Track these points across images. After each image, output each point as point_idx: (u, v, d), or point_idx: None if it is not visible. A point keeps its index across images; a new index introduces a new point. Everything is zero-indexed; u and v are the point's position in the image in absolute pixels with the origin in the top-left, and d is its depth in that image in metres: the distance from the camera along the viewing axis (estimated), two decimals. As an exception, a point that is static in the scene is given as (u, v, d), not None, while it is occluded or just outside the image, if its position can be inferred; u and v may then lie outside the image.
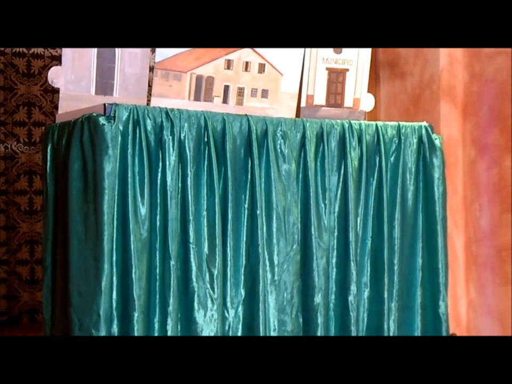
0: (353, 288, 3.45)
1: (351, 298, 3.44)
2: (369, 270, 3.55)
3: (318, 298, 3.37)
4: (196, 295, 3.11)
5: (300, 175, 3.40)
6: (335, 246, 3.47)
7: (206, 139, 3.17)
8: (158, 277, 3.06)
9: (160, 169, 3.08)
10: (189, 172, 3.12)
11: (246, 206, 3.25)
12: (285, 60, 3.46)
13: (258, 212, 3.24)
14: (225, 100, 3.40)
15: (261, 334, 3.20)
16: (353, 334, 3.43)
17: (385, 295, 3.52)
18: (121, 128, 3.00)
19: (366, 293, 3.54)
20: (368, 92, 3.76)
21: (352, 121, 3.54)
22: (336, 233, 3.47)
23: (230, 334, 3.20)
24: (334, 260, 3.47)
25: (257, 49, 3.40)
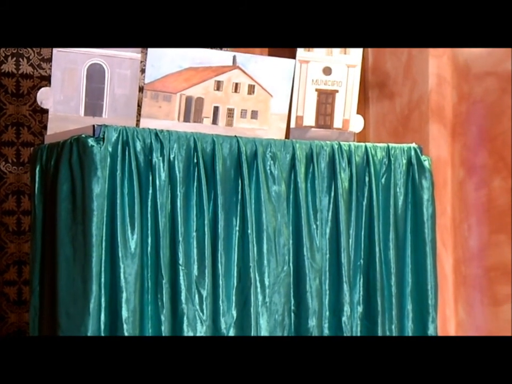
0: (346, 309, 3.44)
1: (344, 319, 3.43)
2: (361, 290, 3.54)
3: (312, 320, 3.36)
4: (185, 317, 3.10)
5: (291, 196, 3.40)
6: (327, 268, 3.46)
7: (195, 160, 3.17)
8: (148, 299, 3.05)
9: (149, 191, 3.07)
10: (178, 193, 3.12)
11: (237, 228, 3.24)
12: (275, 81, 3.47)
13: (249, 232, 3.23)
14: (214, 121, 3.40)
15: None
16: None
17: (379, 316, 3.51)
18: (110, 149, 3.00)
19: (359, 314, 3.53)
20: (357, 112, 3.77)
21: (341, 143, 3.55)
22: (328, 255, 3.47)
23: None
24: (327, 282, 3.46)
25: (247, 71, 3.41)
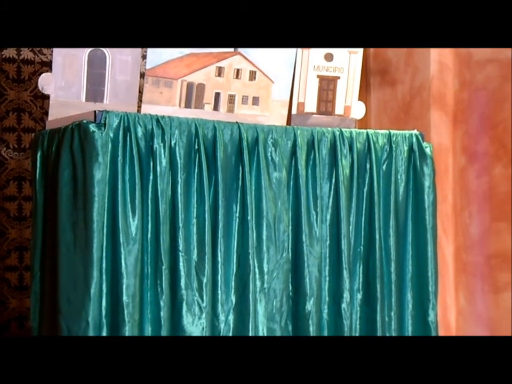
0: (346, 295, 3.44)
1: (344, 305, 3.44)
2: (361, 277, 3.55)
3: (309, 306, 3.36)
4: (184, 303, 3.10)
5: (291, 183, 3.40)
6: (327, 255, 3.46)
7: (196, 146, 3.17)
8: (148, 285, 3.06)
9: (150, 177, 3.07)
10: (179, 179, 3.11)
11: (237, 214, 3.24)
12: (276, 67, 3.46)
13: (249, 218, 3.24)
14: (216, 107, 3.39)
15: (250, 342, 3.19)
16: (346, 341, 3.43)
17: (378, 303, 3.52)
18: (111, 135, 3.00)
19: (358, 301, 3.54)
20: (359, 99, 3.76)
21: (343, 129, 3.54)
22: (328, 242, 3.47)
23: (220, 341, 3.20)
24: (326, 268, 3.46)
25: (248, 57, 3.40)
